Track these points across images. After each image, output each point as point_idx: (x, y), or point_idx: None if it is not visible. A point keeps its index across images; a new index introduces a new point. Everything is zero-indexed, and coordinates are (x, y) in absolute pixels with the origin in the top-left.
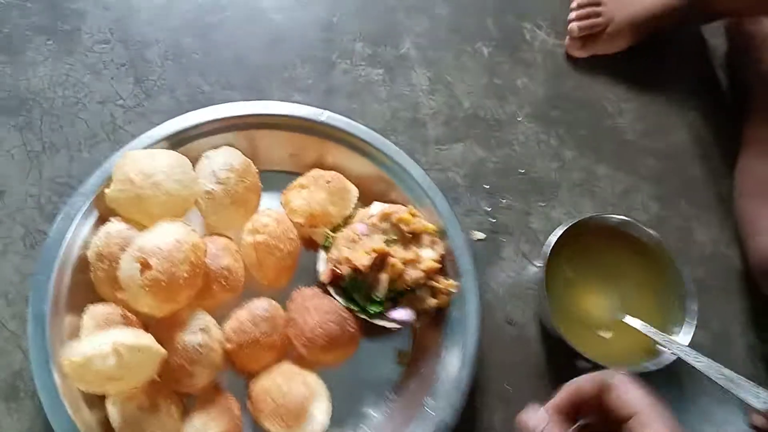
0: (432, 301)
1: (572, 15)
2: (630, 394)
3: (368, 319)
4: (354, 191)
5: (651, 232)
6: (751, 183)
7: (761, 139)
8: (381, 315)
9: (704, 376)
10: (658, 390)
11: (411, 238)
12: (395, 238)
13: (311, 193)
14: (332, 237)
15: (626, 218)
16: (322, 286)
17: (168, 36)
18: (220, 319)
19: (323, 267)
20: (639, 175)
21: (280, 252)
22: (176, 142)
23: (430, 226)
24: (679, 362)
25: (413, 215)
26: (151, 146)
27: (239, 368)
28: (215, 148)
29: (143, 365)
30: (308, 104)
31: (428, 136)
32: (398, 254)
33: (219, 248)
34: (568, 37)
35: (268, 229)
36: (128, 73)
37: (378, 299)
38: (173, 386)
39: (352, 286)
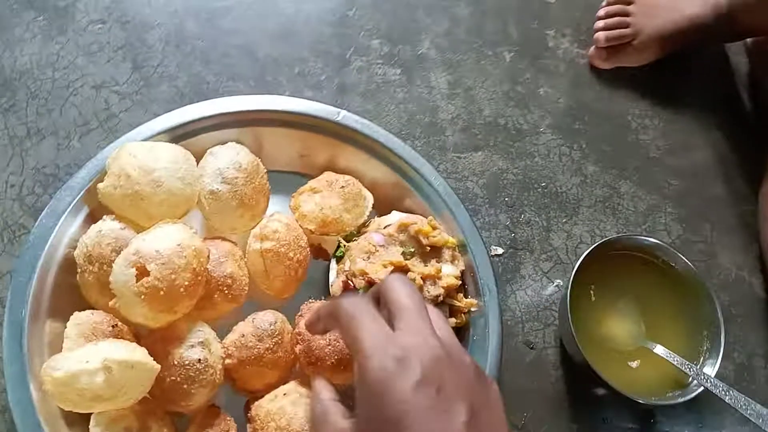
0: (451, 321)
1: (599, 24)
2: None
3: None
4: (369, 198)
5: (684, 258)
6: None
7: None
8: None
9: (727, 408)
10: (680, 420)
11: (430, 252)
12: (413, 250)
13: (324, 197)
14: (345, 246)
15: (658, 241)
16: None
17: (170, 19)
18: (221, 332)
19: (334, 278)
20: (662, 195)
21: (290, 261)
22: (177, 136)
23: (451, 240)
24: (702, 394)
25: (433, 227)
26: (150, 139)
27: (239, 386)
28: (219, 144)
29: (135, 383)
30: (320, 101)
31: (446, 142)
32: (417, 269)
33: (222, 254)
34: (593, 47)
35: (277, 236)
36: (126, 57)
37: None
38: (166, 406)
39: None
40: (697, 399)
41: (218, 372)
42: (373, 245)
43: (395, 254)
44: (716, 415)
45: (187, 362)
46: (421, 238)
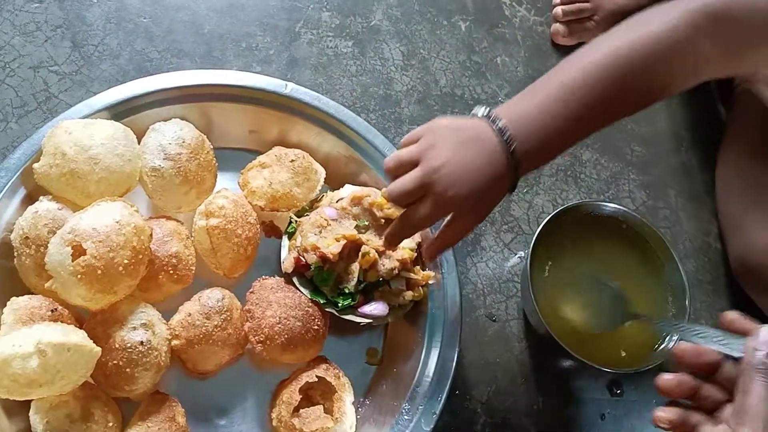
0: (408, 294)
1: None
2: None
3: (336, 313)
4: (321, 172)
5: (649, 224)
6: (732, 174)
7: (741, 133)
8: (351, 309)
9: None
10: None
11: (384, 225)
12: (367, 224)
13: (273, 172)
14: (297, 222)
15: (621, 207)
16: (286, 277)
17: None
18: (168, 315)
19: (286, 255)
20: (625, 162)
21: (238, 238)
22: (119, 113)
23: None
24: (669, 361)
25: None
26: (89, 117)
27: (190, 368)
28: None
29: (73, 367)
30: (269, 76)
31: (402, 114)
32: (371, 242)
33: (166, 233)
34: (553, 24)
35: (224, 212)
36: (64, 36)
37: (348, 292)
38: (110, 391)
39: (319, 276)
40: (664, 366)
41: (163, 354)
42: (326, 219)
43: (349, 228)
44: None
45: (129, 345)
46: (375, 210)
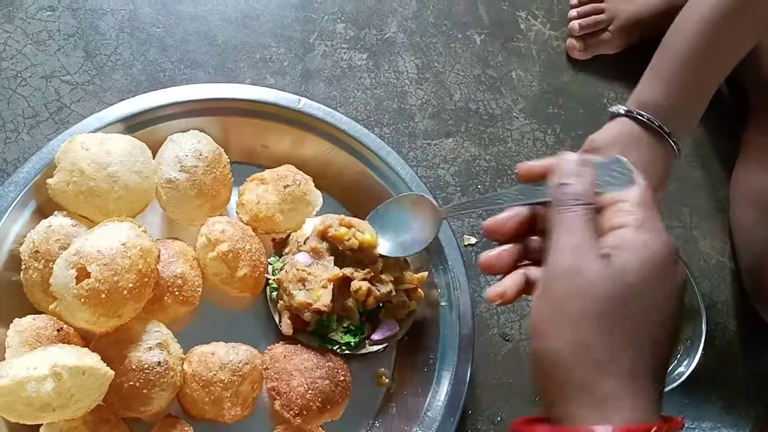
0: (412, 304)
1: (573, 13)
2: None
3: (353, 353)
4: (316, 204)
5: None
6: (746, 191)
7: (757, 147)
8: (364, 341)
9: (709, 398)
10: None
11: (353, 253)
12: (349, 253)
13: (267, 191)
14: (274, 280)
15: None
16: (291, 338)
17: (123, 5)
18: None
19: (280, 319)
20: None
21: (250, 253)
22: (132, 126)
23: (368, 238)
24: (683, 384)
25: (347, 226)
26: (101, 129)
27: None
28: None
29: (87, 391)
30: (282, 89)
31: (416, 128)
32: (358, 273)
33: (171, 254)
34: (569, 39)
35: (227, 235)
36: (77, 46)
37: (355, 327)
38: (122, 413)
39: (322, 327)
40: (679, 389)
41: (178, 373)
42: (303, 270)
43: (328, 266)
44: (697, 404)
45: (146, 366)
46: (339, 245)
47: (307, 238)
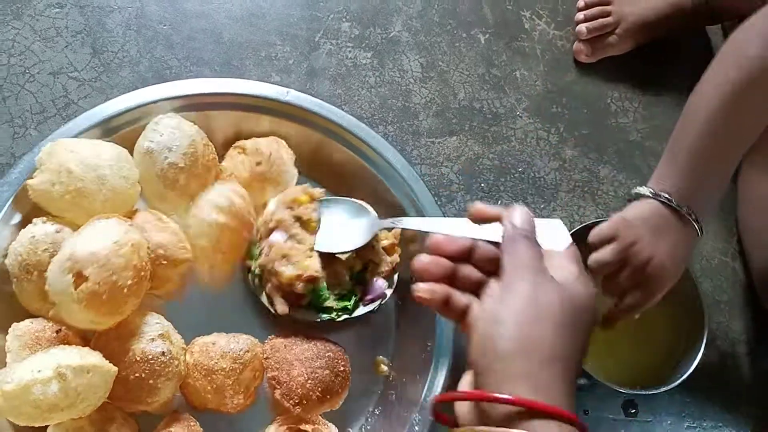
0: (395, 258)
1: (580, 16)
2: None
3: (351, 317)
4: (287, 185)
5: None
6: (753, 195)
7: (763, 148)
8: (358, 304)
9: (710, 398)
10: (662, 410)
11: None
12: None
13: (242, 163)
14: (255, 267)
15: None
16: (288, 321)
17: (131, 2)
18: (173, 310)
19: (273, 300)
20: (643, 179)
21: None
22: (113, 127)
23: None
24: (684, 383)
25: (311, 196)
26: (82, 134)
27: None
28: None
29: (93, 388)
30: (288, 86)
31: (420, 127)
32: None
33: (147, 224)
34: (576, 42)
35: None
36: (85, 42)
37: (347, 292)
38: (130, 406)
39: (317, 298)
40: (680, 388)
41: (182, 362)
42: (281, 246)
43: (306, 237)
44: (699, 404)
45: (150, 356)
46: (302, 215)
47: (273, 214)
